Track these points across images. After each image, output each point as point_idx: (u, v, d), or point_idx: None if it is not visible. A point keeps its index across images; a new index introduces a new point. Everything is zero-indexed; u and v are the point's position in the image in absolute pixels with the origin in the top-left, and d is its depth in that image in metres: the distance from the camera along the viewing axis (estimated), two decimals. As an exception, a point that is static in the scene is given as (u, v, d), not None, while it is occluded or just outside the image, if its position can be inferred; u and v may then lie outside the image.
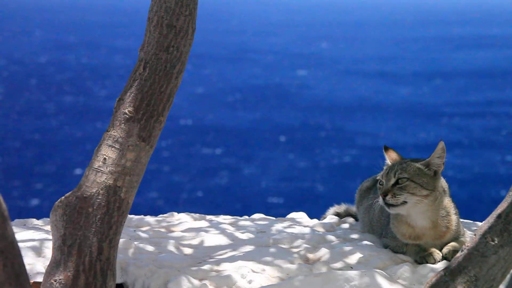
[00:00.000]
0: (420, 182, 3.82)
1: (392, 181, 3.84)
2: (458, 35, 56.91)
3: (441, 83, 37.27)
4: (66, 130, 26.22)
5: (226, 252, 4.00)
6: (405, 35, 56.80)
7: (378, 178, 4.00)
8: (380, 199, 3.84)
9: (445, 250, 3.87)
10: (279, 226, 4.57)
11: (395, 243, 3.99)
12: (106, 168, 3.15)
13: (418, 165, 3.87)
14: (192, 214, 4.90)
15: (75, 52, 43.62)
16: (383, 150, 4.12)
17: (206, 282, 3.60)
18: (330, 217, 4.84)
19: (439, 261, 3.81)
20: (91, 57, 42.03)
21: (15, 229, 4.17)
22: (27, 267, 3.62)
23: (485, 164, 23.33)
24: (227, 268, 3.74)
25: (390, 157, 4.06)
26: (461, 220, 4.14)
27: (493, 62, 43.38)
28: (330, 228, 4.60)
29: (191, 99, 31.25)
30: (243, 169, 22.76)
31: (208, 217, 4.89)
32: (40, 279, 3.57)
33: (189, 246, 4.14)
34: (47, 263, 3.50)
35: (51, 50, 43.90)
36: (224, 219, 4.82)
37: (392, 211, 3.86)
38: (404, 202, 3.82)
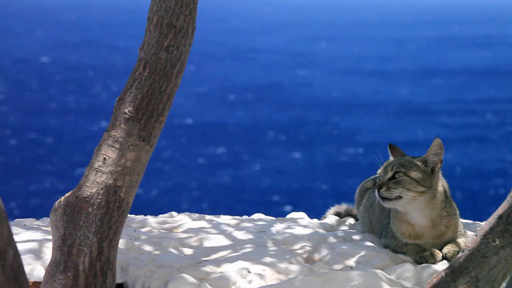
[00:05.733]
0: (416, 178, 3.82)
1: (389, 174, 3.85)
2: (457, 35, 56.95)
3: (440, 82, 37.31)
4: (67, 130, 26.23)
5: (226, 252, 4.00)
6: (404, 35, 56.82)
7: (377, 172, 4.00)
8: (376, 192, 3.85)
9: (445, 250, 3.87)
10: (279, 226, 4.56)
11: (395, 243, 3.98)
12: (106, 168, 3.15)
13: (415, 161, 3.88)
14: (192, 214, 4.90)
15: (76, 51, 43.64)
16: (388, 148, 4.12)
17: (206, 282, 3.60)
18: (330, 217, 4.84)
19: (439, 261, 3.80)
20: (92, 57, 42.04)
21: (14, 229, 4.16)
22: (27, 267, 3.61)
23: (484, 163, 23.34)
24: (227, 268, 3.73)
25: (394, 155, 4.07)
26: (461, 220, 4.14)
27: (492, 61, 43.43)
28: (330, 228, 4.60)
29: (191, 98, 31.26)
30: (243, 168, 22.76)
31: (208, 217, 4.89)
32: (40, 279, 3.57)
33: (189, 246, 4.13)
34: (47, 263, 3.50)
35: (52, 50, 43.91)
36: (224, 219, 4.82)
37: (386, 205, 3.86)
38: (399, 197, 3.81)
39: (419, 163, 3.87)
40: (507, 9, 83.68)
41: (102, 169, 3.15)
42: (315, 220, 4.81)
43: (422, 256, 3.83)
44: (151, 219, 4.73)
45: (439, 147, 3.87)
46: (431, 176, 3.86)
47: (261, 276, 3.66)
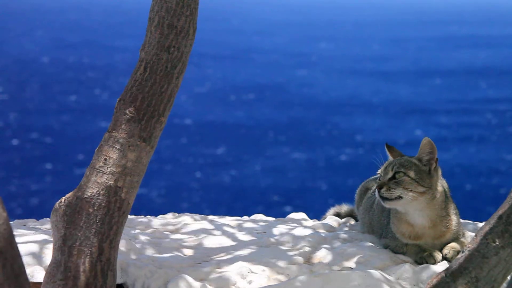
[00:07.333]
0: (416, 178, 3.82)
1: (389, 175, 3.86)
2: (457, 35, 56.94)
3: (440, 82, 37.31)
4: (67, 130, 26.21)
5: (226, 253, 4.00)
6: (404, 35, 56.81)
7: (378, 173, 4.01)
8: (376, 192, 3.86)
9: (445, 250, 3.87)
10: (279, 226, 4.56)
11: (395, 243, 3.99)
12: (107, 169, 3.15)
13: (414, 161, 3.88)
14: (192, 214, 4.90)
15: (76, 51, 43.62)
16: (386, 148, 4.13)
17: (206, 282, 3.60)
18: (330, 218, 4.84)
19: (439, 262, 3.80)
20: (92, 57, 42.02)
21: (15, 229, 4.16)
22: (27, 268, 3.61)
23: (484, 163, 23.33)
24: (227, 268, 3.73)
25: (392, 155, 4.08)
26: (461, 220, 4.14)
27: (492, 61, 43.44)
28: (330, 229, 4.60)
29: (192, 98, 31.25)
30: (243, 168, 22.75)
31: (208, 217, 4.89)
32: (40, 280, 3.57)
33: (189, 246, 4.13)
34: (48, 264, 3.50)
35: (52, 50, 43.89)
36: (224, 220, 4.82)
37: (387, 205, 3.87)
38: (399, 197, 3.82)
39: (418, 163, 3.88)
40: (507, 9, 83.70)
41: (103, 169, 3.15)
42: (315, 221, 4.82)
43: (422, 257, 3.83)
44: (151, 220, 4.74)
45: (429, 146, 3.88)
46: (430, 176, 3.87)
47: (261, 276, 3.66)
